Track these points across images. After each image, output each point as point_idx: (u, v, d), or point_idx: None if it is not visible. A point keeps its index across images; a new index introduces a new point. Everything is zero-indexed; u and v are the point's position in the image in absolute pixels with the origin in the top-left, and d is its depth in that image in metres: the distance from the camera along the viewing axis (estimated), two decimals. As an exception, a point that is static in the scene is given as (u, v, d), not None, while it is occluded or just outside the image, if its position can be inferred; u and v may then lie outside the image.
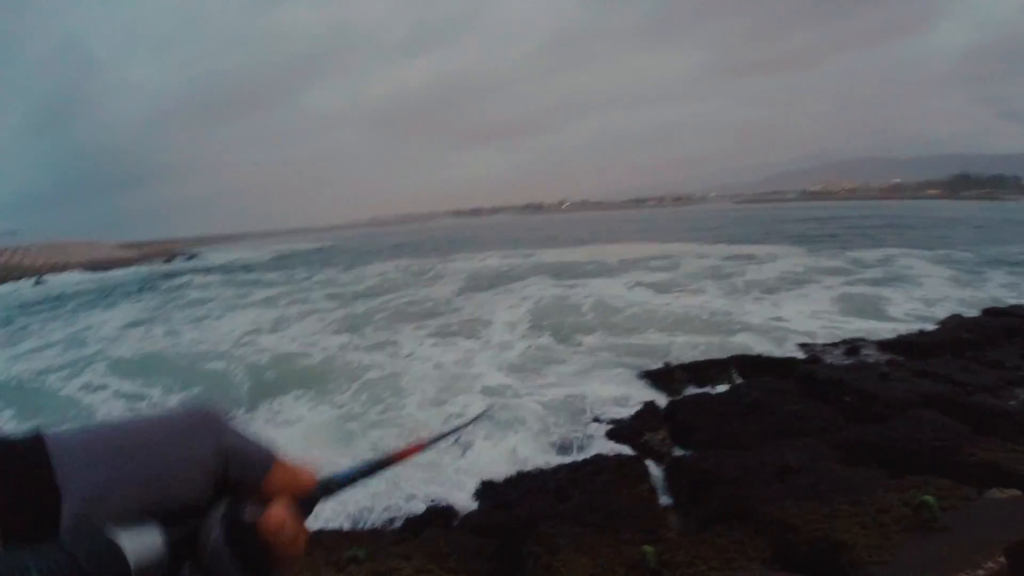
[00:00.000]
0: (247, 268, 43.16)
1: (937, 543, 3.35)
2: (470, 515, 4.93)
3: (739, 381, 8.39)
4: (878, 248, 27.00)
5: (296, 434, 8.01)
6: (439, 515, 5.02)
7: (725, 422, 6.38)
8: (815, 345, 9.78)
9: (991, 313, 10.86)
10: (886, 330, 11.07)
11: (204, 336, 15.70)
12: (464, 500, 5.34)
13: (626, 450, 6.24)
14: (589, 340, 11.89)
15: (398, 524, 4.92)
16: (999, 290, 15.39)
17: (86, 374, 12.18)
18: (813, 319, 12.71)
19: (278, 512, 0.49)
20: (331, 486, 0.57)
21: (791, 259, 24.29)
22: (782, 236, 39.86)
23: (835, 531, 3.59)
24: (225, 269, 43.34)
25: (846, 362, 8.53)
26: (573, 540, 3.89)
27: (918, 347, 8.85)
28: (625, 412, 7.32)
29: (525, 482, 5.45)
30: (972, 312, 11.72)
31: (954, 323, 10.50)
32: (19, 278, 46.85)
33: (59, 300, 29.34)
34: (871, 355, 8.92)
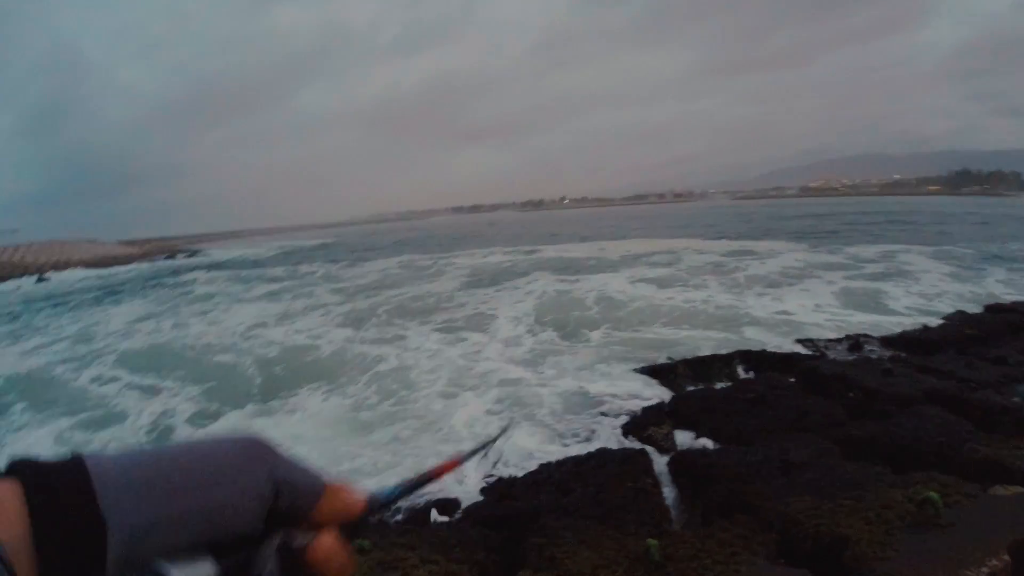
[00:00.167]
0: (254, 264, 43.11)
1: (940, 539, 3.36)
2: (475, 507, 4.94)
3: (743, 376, 8.41)
4: (879, 244, 27.03)
5: (314, 426, 8.04)
6: (444, 507, 5.03)
7: (728, 417, 6.39)
8: (818, 341, 9.78)
9: (994, 309, 10.88)
10: (889, 323, 11.22)
11: (212, 329, 15.74)
12: (469, 492, 5.35)
13: (630, 444, 6.26)
14: (594, 335, 11.94)
15: (403, 515, 4.93)
16: (997, 286, 15.52)
17: (97, 367, 12.24)
18: (817, 312, 12.86)
19: (328, 540, 0.50)
20: (375, 506, 0.57)
21: (791, 255, 24.36)
22: (782, 232, 39.90)
23: (838, 526, 3.60)
24: (229, 265, 43.28)
25: (849, 358, 8.53)
26: (577, 533, 3.90)
27: (921, 343, 8.86)
28: (629, 406, 7.34)
29: (529, 475, 5.46)
30: (972, 307, 11.84)
31: (957, 319, 10.51)
32: (21, 276, 46.80)
33: (63, 297, 29.28)
34: (874, 351, 8.93)
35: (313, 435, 7.56)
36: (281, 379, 10.47)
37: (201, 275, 33.82)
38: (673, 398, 7.40)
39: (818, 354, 9.00)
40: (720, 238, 37.20)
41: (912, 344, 8.95)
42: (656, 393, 7.82)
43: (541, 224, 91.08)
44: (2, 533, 0.36)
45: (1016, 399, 6.03)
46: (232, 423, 8.40)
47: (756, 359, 8.84)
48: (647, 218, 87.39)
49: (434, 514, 4.95)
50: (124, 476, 0.42)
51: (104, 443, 8.08)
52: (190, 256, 66.11)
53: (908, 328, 10.40)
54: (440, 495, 5.25)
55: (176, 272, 39.82)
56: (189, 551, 0.43)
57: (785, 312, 12.94)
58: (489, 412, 7.76)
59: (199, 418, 8.93)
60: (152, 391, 10.35)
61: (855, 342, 9.33)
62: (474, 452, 0.79)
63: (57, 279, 43.32)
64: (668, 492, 4.97)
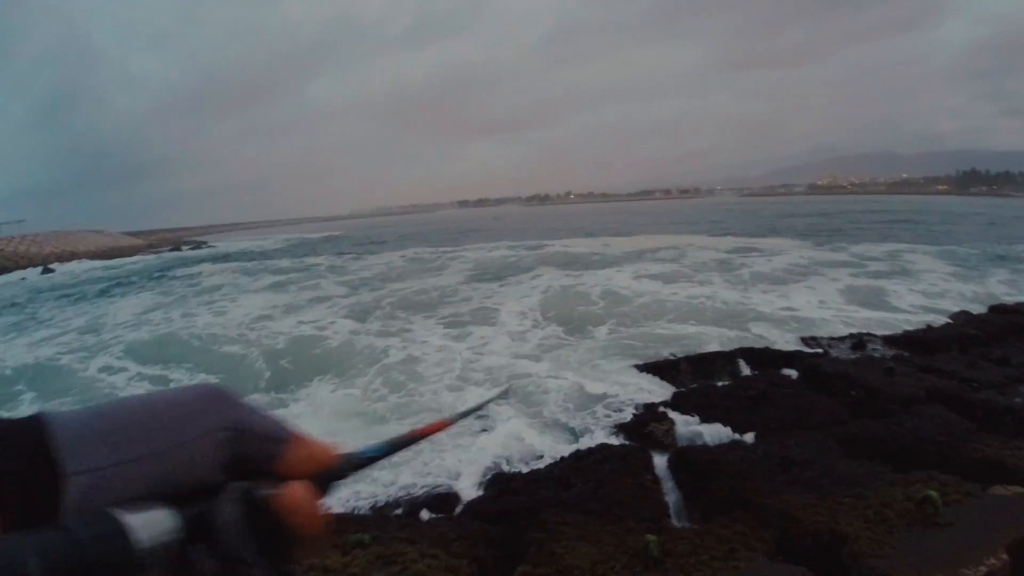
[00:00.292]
0: (261, 256, 43.23)
1: (939, 538, 3.36)
2: (474, 502, 4.95)
3: (745, 373, 8.41)
4: (885, 243, 27.00)
5: (324, 416, 8.09)
6: (444, 501, 5.05)
7: (730, 414, 6.39)
8: (821, 339, 9.76)
9: (998, 310, 10.84)
10: (895, 319, 11.38)
11: (220, 320, 15.82)
12: (469, 487, 5.38)
13: (631, 440, 6.27)
14: (599, 330, 11.95)
15: (403, 509, 4.95)
16: (999, 287, 15.57)
17: (105, 357, 12.28)
18: (822, 308, 12.95)
19: (295, 489, 0.48)
20: (353, 463, 0.55)
21: (797, 252, 24.37)
22: (789, 230, 39.82)
23: (837, 524, 3.60)
24: (235, 257, 43.41)
25: (852, 356, 8.51)
26: (576, 528, 3.91)
27: (924, 343, 8.83)
28: (631, 402, 7.33)
29: (529, 470, 5.48)
30: (975, 307, 11.94)
31: (961, 320, 10.49)
32: (27, 267, 46.91)
33: (70, 288, 29.29)
34: (877, 350, 8.90)
35: (328, 427, 7.59)
36: (290, 370, 10.53)
37: (207, 267, 33.91)
38: (675, 394, 7.39)
39: (821, 352, 8.98)
40: (726, 235, 37.18)
41: (915, 343, 8.93)
42: (658, 389, 7.82)
43: (546, 219, 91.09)
44: None
45: (1018, 400, 6.00)
46: None
47: (758, 356, 8.83)
48: (652, 214, 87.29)
49: (434, 509, 4.97)
50: (82, 426, 0.42)
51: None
52: (195, 248, 66.29)
53: (912, 325, 10.45)
54: (439, 490, 5.27)
55: (182, 264, 39.84)
56: (147, 499, 0.42)
57: (791, 308, 12.97)
58: (519, 404, 7.73)
59: None
60: (163, 381, 10.40)
61: (858, 341, 9.30)
62: (466, 413, 0.78)
63: (62, 270, 43.43)
64: (668, 488, 4.98)
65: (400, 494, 5.28)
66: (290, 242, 63.27)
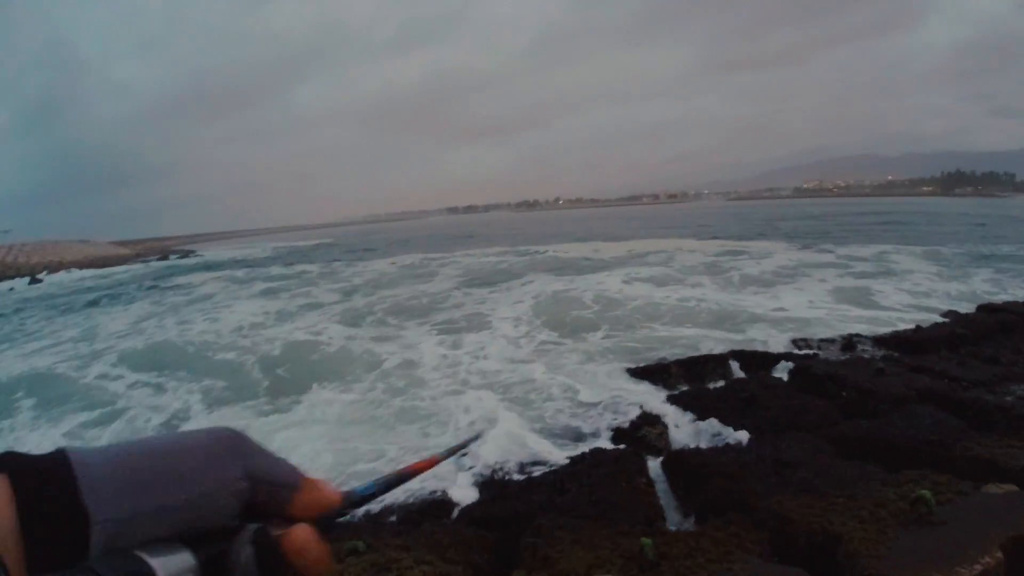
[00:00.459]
0: (250, 265, 43.08)
1: (933, 537, 3.36)
2: (469, 507, 4.94)
3: (736, 376, 8.44)
4: (871, 245, 27.27)
5: (331, 424, 8.05)
6: (438, 507, 5.03)
7: (722, 416, 6.40)
8: (811, 340, 9.81)
9: (986, 309, 10.92)
10: (887, 317, 11.61)
11: (215, 327, 15.83)
12: (463, 493, 5.35)
13: (624, 444, 6.28)
14: (592, 334, 11.97)
15: (398, 516, 4.93)
16: (982, 285, 15.88)
17: (102, 366, 12.26)
18: (812, 309, 13.10)
19: (302, 531, 0.50)
20: (352, 502, 0.59)
21: (785, 255, 24.58)
22: (776, 233, 40.10)
23: (831, 524, 3.60)
24: (224, 266, 43.20)
25: (842, 357, 8.56)
26: (571, 532, 3.89)
27: (914, 343, 8.88)
28: (624, 407, 7.34)
29: (524, 474, 5.47)
30: (959, 305, 12.25)
31: (950, 319, 10.56)
32: (13, 277, 46.48)
33: (59, 299, 29.02)
34: (867, 351, 8.95)
35: (336, 434, 7.58)
36: (289, 376, 10.56)
37: (198, 276, 33.86)
38: (667, 398, 7.41)
39: (811, 353, 9.03)
40: (714, 238, 37.40)
41: (905, 344, 8.98)
42: (651, 393, 7.83)
43: (535, 225, 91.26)
44: None
45: (1009, 398, 6.05)
46: (245, 421, 8.48)
47: (750, 359, 8.87)
48: (641, 219, 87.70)
49: (428, 515, 4.95)
50: (105, 468, 0.43)
51: (117, 436, 8.17)
52: (183, 257, 65.91)
53: (900, 324, 10.58)
54: (434, 496, 5.25)
55: (172, 273, 39.71)
56: (168, 542, 0.44)
57: (782, 308, 13.12)
58: (502, 409, 7.72)
59: (210, 412, 9.03)
60: (161, 390, 10.40)
61: (848, 342, 9.35)
62: (451, 453, 0.82)
63: (51, 280, 43.09)
64: (662, 491, 4.99)
65: (394, 501, 5.25)
66: (280, 250, 63.10)
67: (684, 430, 6.42)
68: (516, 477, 5.47)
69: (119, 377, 11.35)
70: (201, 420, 8.63)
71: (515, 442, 6.51)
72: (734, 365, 8.74)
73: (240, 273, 34.06)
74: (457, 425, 7.46)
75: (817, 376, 7.28)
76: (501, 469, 5.78)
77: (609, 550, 3.64)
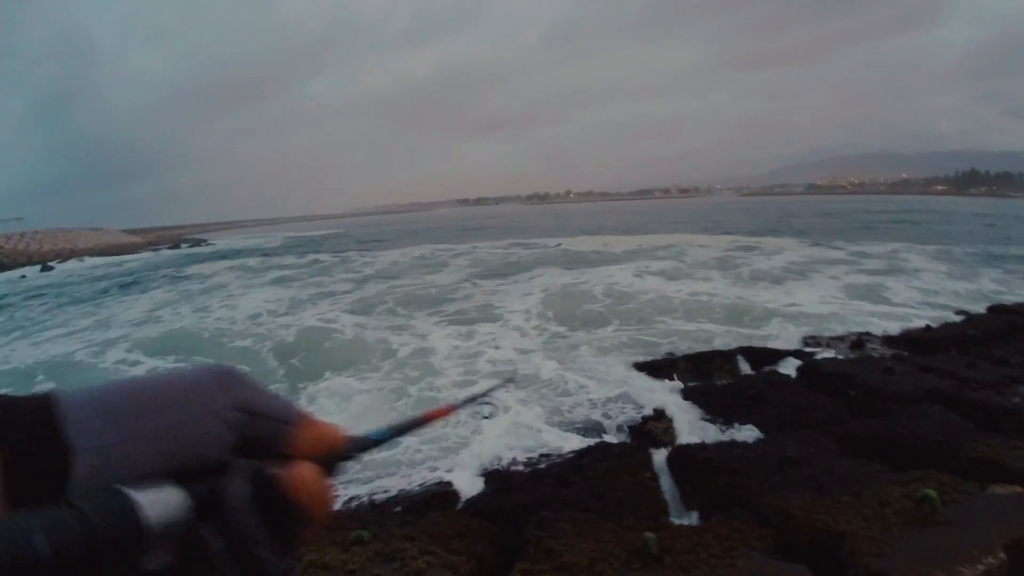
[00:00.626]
0: (263, 253, 43.19)
1: (937, 537, 3.36)
2: (474, 499, 4.96)
3: (744, 372, 8.43)
4: (883, 242, 27.09)
5: (353, 412, 8.11)
6: (443, 498, 5.05)
7: (729, 412, 6.41)
8: (820, 337, 9.78)
9: (997, 310, 10.84)
10: (898, 313, 11.70)
11: (230, 315, 15.95)
12: (468, 484, 5.38)
13: (630, 438, 6.30)
14: (601, 328, 11.98)
15: (403, 506, 4.96)
16: (990, 284, 15.83)
17: (119, 352, 12.38)
18: (824, 304, 13.09)
19: (303, 469, 0.48)
20: (360, 445, 0.56)
21: (796, 251, 24.50)
22: (788, 229, 39.91)
23: (835, 522, 3.61)
24: (238, 254, 43.40)
25: (851, 356, 8.51)
26: (575, 525, 3.91)
27: (923, 343, 8.83)
28: (630, 401, 7.35)
29: (529, 467, 5.49)
30: (968, 304, 12.29)
31: (960, 320, 10.50)
32: (26, 264, 46.70)
33: (72, 287, 29.00)
34: (876, 349, 8.91)
35: (352, 422, 7.61)
36: (305, 364, 10.65)
37: (211, 265, 34.01)
38: (673, 393, 7.41)
39: (820, 351, 8.99)
40: (726, 233, 37.26)
41: (914, 343, 8.93)
42: (657, 387, 7.82)
43: (546, 218, 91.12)
44: None
45: (1017, 400, 6.01)
46: None
47: (757, 355, 8.85)
48: (652, 213, 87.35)
49: (433, 506, 4.98)
50: (91, 403, 0.43)
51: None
52: (194, 246, 66.18)
53: (913, 321, 10.58)
54: (439, 487, 5.28)
55: (184, 261, 39.80)
56: (156, 476, 0.43)
57: (794, 304, 13.13)
58: (520, 401, 7.70)
59: None
60: None
61: (857, 340, 9.30)
62: (470, 400, 0.80)
63: (62, 268, 43.23)
64: (666, 486, 4.99)
65: (400, 491, 5.29)
66: (292, 240, 63.31)
67: (690, 425, 6.42)
68: (521, 469, 5.49)
69: (138, 363, 11.49)
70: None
71: (521, 434, 6.53)
72: (742, 361, 8.73)
73: (253, 262, 34.16)
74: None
75: (825, 374, 7.26)
76: (506, 461, 5.80)
77: (613, 544, 3.66)
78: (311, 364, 10.49)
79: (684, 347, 9.63)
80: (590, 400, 7.61)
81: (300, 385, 9.40)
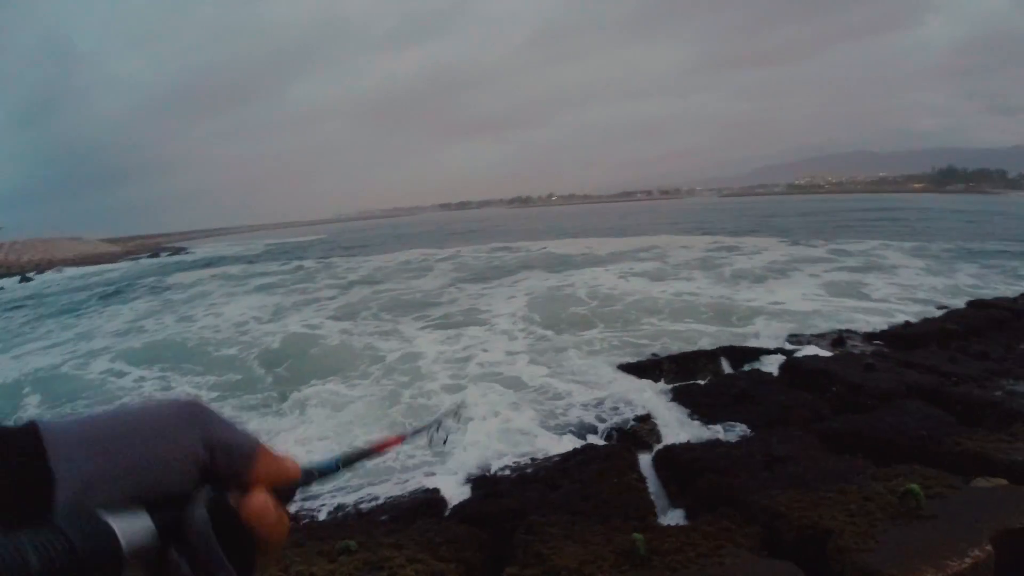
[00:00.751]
0: (245, 260, 42.90)
1: (923, 531, 3.38)
2: (461, 505, 4.93)
3: (727, 371, 8.47)
4: (862, 240, 27.43)
5: (344, 421, 8.04)
6: (430, 505, 5.01)
7: (713, 412, 6.43)
8: (801, 335, 9.86)
9: (976, 305, 10.97)
10: (878, 308, 11.92)
11: (214, 323, 15.90)
12: (455, 490, 5.36)
13: (615, 440, 6.30)
14: (587, 330, 12.02)
15: (390, 515, 4.92)
16: (967, 279, 16.15)
17: (105, 363, 12.29)
18: (806, 301, 13.27)
19: (260, 498, 0.52)
20: (313, 475, 0.61)
21: (777, 250, 24.75)
22: (769, 228, 40.28)
23: (821, 518, 3.62)
24: (219, 262, 43.04)
25: (832, 353, 8.58)
26: (563, 528, 3.90)
27: (904, 338, 8.93)
28: (615, 402, 7.35)
29: (516, 471, 5.47)
30: (946, 299, 12.53)
31: (940, 315, 10.61)
32: (3, 276, 45.98)
33: (52, 298, 28.68)
34: (857, 346, 8.99)
35: (342, 428, 7.64)
36: (291, 372, 10.60)
37: (191, 273, 33.66)
38: (658, 394, 7.43)
39: (801, 349, 9.05)
40: (707, 234, 37.53)
41: (895, 339, 9.03)
42: (642, 389, 7.84)
43: (529, 220, 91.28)
44: None
45: (998, 393, 6.07)
46: (254, 413, 8.60)
47: (740, 354, 8.91)
48: (634, 215, 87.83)
49: (420, 513, 4.95)
50: (72, 434, 0.47)
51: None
52: (174, 254, 65.48)
53: (893, 318, 10.71)
54: (426, 494, 5.25)
55: (164, 271, 39.47)
56: (129, 504, 0.46)
57: (777, 302, 13.30)
58: (511, 406, 7.68)
59: (220, 404, 9.00)
60: (165, 384, 10.50)
61: (838, 337, 9.39)
62: (419, 431, 0.83)
63: (41, 279, 42.65)
64: (653, 487, 4.99)
65: (387, 499, 5.25)
66: (273, 247, 62.89)
67: (675, 426, 6.44)
68: (508, 474, 5.47)
69: (124, 373, 11.41)
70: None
71: (508, 438, 6.51)
72: (725, 361, 8.78)
73: (236, 270, 33.94)
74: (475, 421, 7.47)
75: (807, 371, 7.31)
76: (492, 466, 5.77)
77: (601, 546, 3.65)
78: (298, 371, 10.43)
79: (670, 347, 9.68)
80: (576, 402, 7.60)
81: (289, 392, 9.30)
